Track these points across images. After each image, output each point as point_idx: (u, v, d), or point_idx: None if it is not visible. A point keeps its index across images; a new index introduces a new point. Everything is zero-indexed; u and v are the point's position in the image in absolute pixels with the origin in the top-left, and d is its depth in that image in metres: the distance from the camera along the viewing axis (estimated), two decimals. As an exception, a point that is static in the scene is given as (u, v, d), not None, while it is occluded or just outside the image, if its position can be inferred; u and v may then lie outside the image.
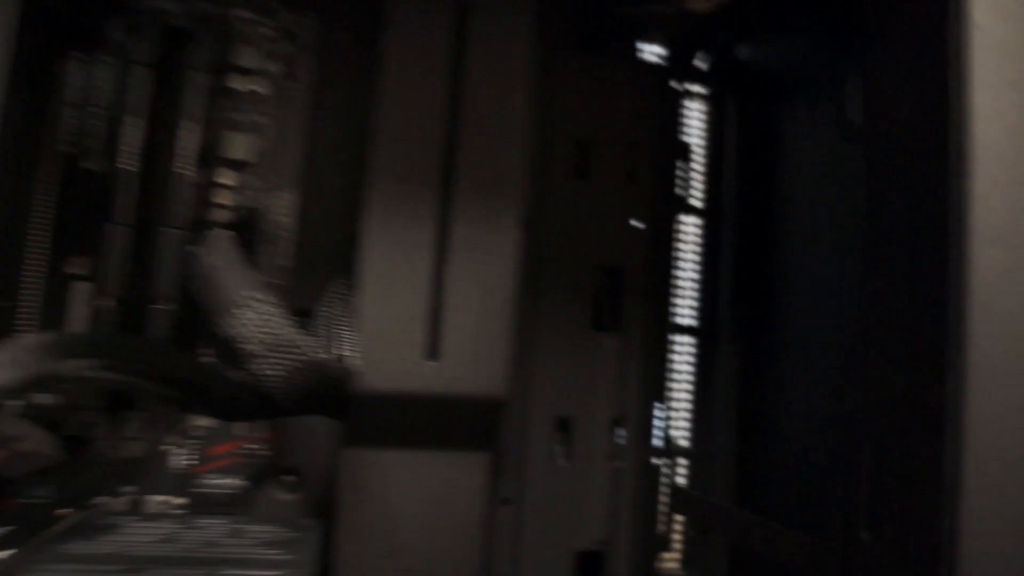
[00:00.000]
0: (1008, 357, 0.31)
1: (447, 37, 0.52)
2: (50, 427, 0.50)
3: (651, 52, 0.63)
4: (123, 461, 0.54)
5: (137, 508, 0.54)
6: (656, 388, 0.61)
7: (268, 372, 0.41)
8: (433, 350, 0.50)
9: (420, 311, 0.50)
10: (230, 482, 0.56)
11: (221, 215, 0.53)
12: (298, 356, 0.41)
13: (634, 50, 0.62)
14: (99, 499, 0.53)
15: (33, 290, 0.51)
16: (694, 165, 0.63)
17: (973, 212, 0.31)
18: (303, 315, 0.55)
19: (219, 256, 0.42)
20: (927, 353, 0.33)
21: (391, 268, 0.50)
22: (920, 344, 0.34)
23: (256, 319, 0.41)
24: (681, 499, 0.60)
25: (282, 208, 0.55)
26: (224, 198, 0.53)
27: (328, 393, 0.45)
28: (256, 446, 0.56)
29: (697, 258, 0.63)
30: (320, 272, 0.54)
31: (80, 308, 0.51)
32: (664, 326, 0.61)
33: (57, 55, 0.50)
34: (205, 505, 0.55)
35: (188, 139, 0.52)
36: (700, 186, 0.63)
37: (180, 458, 0.55)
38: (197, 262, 0.43)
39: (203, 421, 0.55)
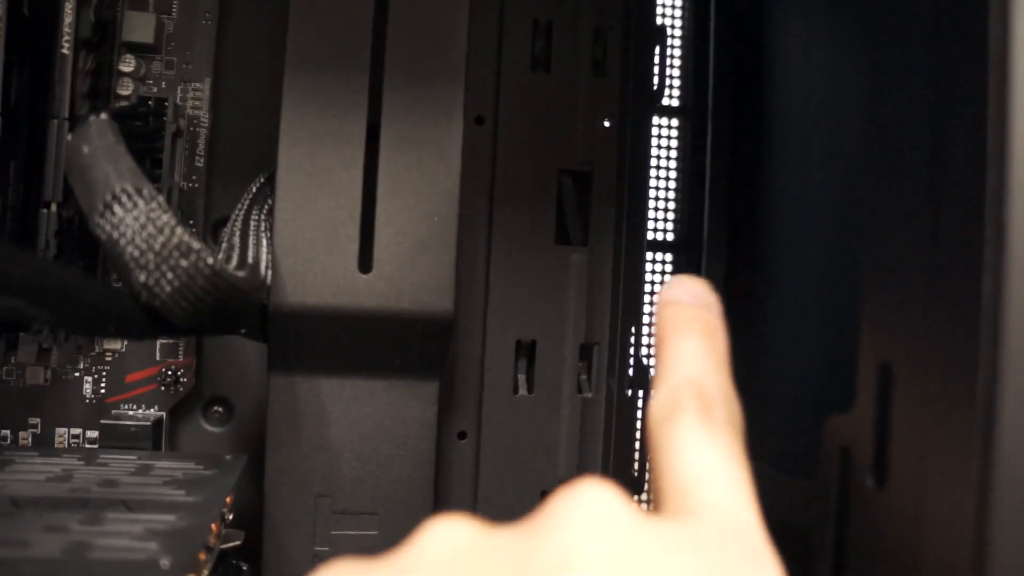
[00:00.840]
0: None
1: None
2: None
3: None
4: (25, 390, 0.48)
5: (42, 443, 0.49)
6: (630, 310, 0.54)
7: (154, 283, 0.34)
8: (366, 261, 0.44)
9: (349, 216, 0.43)
10: (148, 413, 0.50)
11: (120, 106, 0.46)
12: (192, 263, 0.34)
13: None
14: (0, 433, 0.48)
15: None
16: (671, 57, 0.56)
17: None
18: (221, 224, 0.49)
19: (92, 144, 0.35)
20: (956, 257, 0.26)
21: (315, 168, 0.43)
22: (947, 247, 0.27)
23: (136, 219, 0.34)
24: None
25: (194, 100, 0.48)
26: (124, 87, 0.47)
27: (234, 308, 0.38)
28: (179, 372, 0.50)
29: (675, 163, 0.56)
30: (240, 173, 0.47)
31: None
32: (639, 240, 0.54)
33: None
34: (119, 439, 0.49)
35: (74, 15, 0.45)
36: (679, 80, 0.56)
37: (91, 386, 0.49)
38: (69, 151, 0.36)
39: (115, 344, 0.49)
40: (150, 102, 0.46)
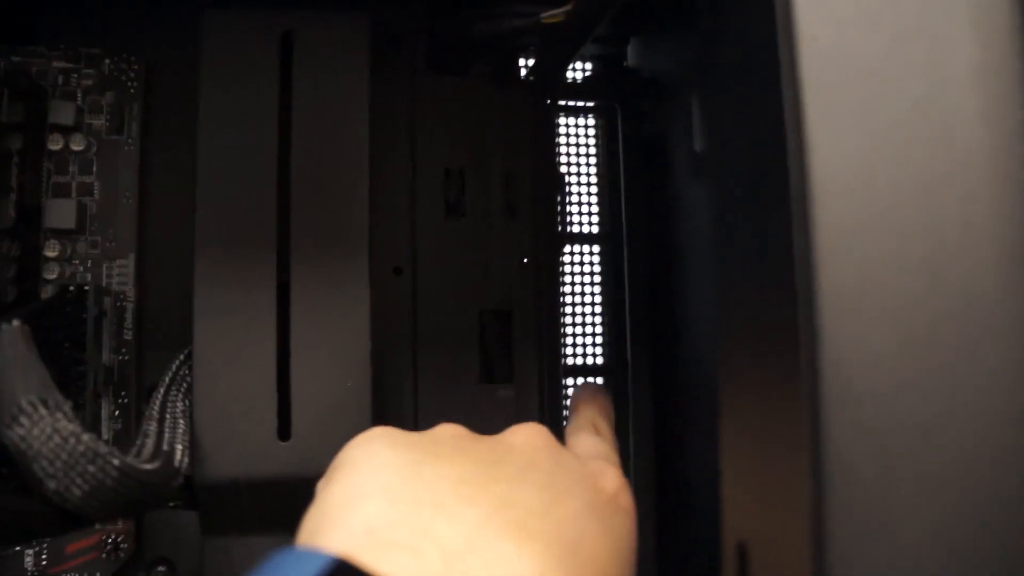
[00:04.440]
0: (860, 386, 0.26)
1: (269, 74, 0.46)
2: None
3: (524, 69, 0.58)
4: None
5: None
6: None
7: (63, 488, 0.35)
8: (284, 429, 0.45)
9: (266, 386, 0.45)
10: (94, 580, 0.51)
11: (47, 290, 0.48)
12: (99, 468, 0.36)
13: (507, 68, 0.56)
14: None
15: None
16: (585, 187, 0.58)
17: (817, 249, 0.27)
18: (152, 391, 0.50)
19: (2, 354, 0.36)
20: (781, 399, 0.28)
21: (229, 340, 0.45)
22: (773, 385, 0.29)
23: (42, 431, 0.35)
24: None
25: (120, 276, 0.50)
26: (50, 271, 0.48)
27: (149, 500, 0.40)
28: (119, 538, 0.51)
29: (594, 290, 0.57)
30: (169, 342, 0.49)
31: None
32: (562, 369, 0.56)
33: None
34: (67, 609, 0.50)
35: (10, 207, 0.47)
36: (595, 209, 0.58)
37: (32, 559, 0.50)
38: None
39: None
40: (71, 288, 0.48)
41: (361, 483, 0.31)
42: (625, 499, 0.36)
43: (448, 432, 0.36)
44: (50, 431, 0.35)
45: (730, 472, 0.32)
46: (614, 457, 0.40)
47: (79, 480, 0.35)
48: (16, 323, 0.38)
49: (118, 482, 0.36)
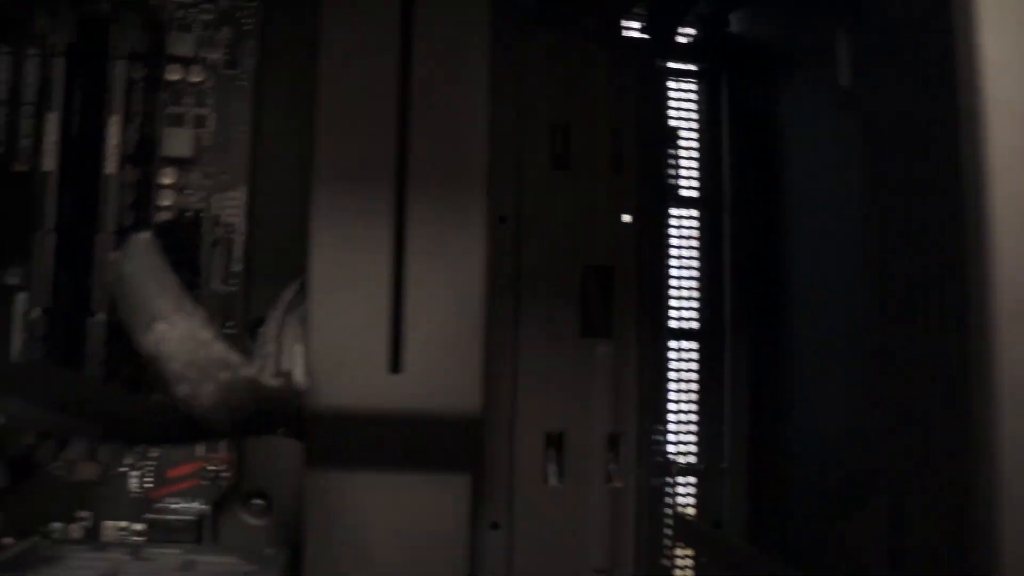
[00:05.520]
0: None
1: (391, 15, 0.47)
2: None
3: (631, 27, 0.58)
4: (75, 484, 0.50)
5: (92, 535, 0.50)
6: (656, 400, 0.55)
7: (195, 395, 0.36)
8: (395, 362, 0.45)
9: (379, 319, 0.45)
10: (191, 507, 0.51)
11: (162, 216, 0.49)
12: (230, 376, 0.36)
13: (611, 25, 0.56)
14: (53, 526, 0.50)
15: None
16: (686, 151, 0.57)
17: (993, 188, 0.26)
18: (259, 324, 0.51)
19: (136, 263, 0.37)
20: (949, 367, 0.28)
21: (344, 272, 0.45)
22: (940, 356, 0.28)
23: (178, 335, 0.36)
24: (686, 530, 0.54)
25: (231, 208, 0.50)
26: (165, 198, 0.49)
27: (271, 414, 0.40)
28: (220, 467, 0.51)
29: (694, 254, 0.57)
30: (276, 277, 0.49)
31: (19, 321, 0.48)
32: (661, 330, 0.56)
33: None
34: (165, 532, 0.50)
35: (119, 135, 0.48)
36: (694, 173, 0.58)
37: (137, 480, 0.51)
38: (115, 270, 0.39)
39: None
40: (188, 214, 0.49)
41: None
42: None
43: None
44: (187, 335, 0.36)
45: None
46: None
47: (210, 386, 0.36)
48: (148, 233, 0.39)
49: (246, 393, 0.37)
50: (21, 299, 0.48)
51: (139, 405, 0.37)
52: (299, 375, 0.42)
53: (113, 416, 0.36)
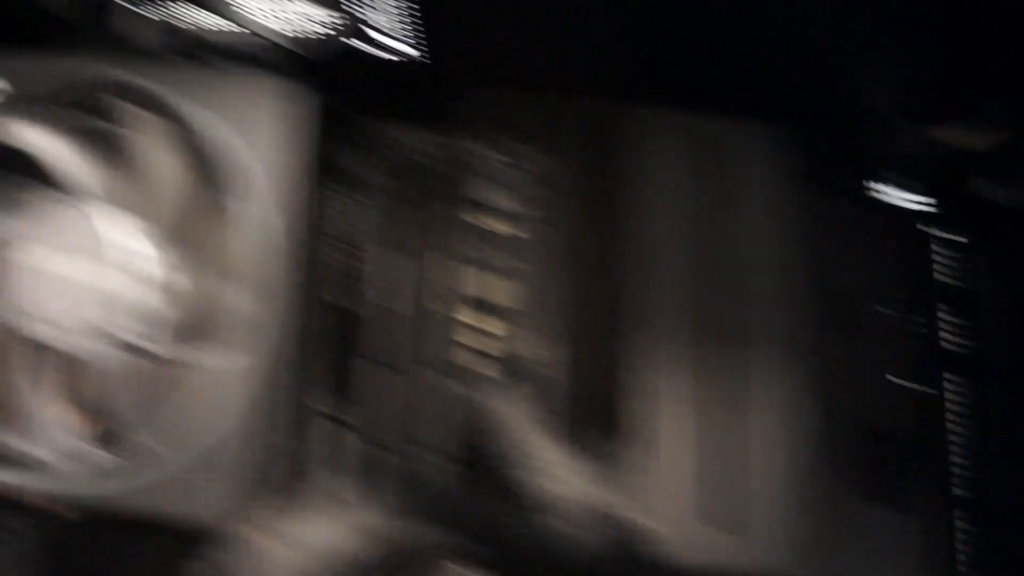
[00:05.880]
0: None
1: (693, 179, 0.50)
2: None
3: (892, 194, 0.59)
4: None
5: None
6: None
7: (563, 528, 0.35)
8: (737, 522, 0.44)
9: (718, 475, 0.44)
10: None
11: (486, 362, 0.48)
12: (601, 516, 0.35)
13: (868, 188, 0.57)
14: None
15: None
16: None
17: None
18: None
19: (511, 407, 0.37)
20: None
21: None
22: None
23: (557, 472, 0.35)
24: None
25: (548, 359, 0.49)
26: (488, 345, 0.49)
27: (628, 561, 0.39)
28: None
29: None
30: (588, 425, 0.48)
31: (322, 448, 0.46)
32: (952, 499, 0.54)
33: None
34: None
35: (448, 279, 0.49)
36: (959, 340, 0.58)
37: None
38: (484, 412, 0.39)
39: None
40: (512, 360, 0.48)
41: None
42: None
43: None
44: (565, 473, 0.35)
45: None
46: None
47: (575, 523, 0.35)
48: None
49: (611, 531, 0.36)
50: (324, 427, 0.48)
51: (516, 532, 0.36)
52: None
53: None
